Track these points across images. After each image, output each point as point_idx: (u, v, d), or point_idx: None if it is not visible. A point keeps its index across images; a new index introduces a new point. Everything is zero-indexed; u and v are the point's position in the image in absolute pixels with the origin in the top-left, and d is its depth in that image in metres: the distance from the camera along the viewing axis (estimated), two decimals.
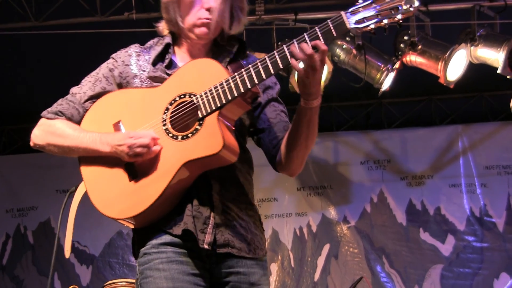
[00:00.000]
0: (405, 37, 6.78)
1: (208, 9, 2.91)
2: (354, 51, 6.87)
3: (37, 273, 8.60)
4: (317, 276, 8.48)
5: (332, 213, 8.67)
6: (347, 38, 6.84)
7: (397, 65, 6.88)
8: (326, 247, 8.56)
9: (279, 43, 6.90)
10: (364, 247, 8.53)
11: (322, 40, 2.65)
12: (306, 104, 2.78)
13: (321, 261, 8.52)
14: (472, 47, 6.81)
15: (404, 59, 6.93)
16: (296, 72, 2.71)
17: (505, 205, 8.57)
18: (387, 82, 6.96)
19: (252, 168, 3.06)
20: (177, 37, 3.09)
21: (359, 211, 8.66)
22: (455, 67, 6.86)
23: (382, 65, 6.92)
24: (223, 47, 3.06)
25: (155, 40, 3.13)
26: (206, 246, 2.80)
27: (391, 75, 6.91)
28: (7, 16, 6.82)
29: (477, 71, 7.07)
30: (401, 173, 8.75)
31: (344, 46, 6.91)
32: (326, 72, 6.71)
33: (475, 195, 8.62)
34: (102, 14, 6.74)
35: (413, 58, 6.91)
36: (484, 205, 8.56)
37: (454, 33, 6.89)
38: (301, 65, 2.70)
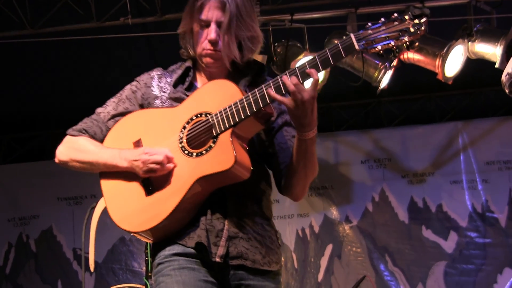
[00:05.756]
0: None
1: (210, 41, 2.99)
2: None
3: (41, 281, 8.61)
4: (320, 276, 8.47)
5: (334, 213, 8.66)
6: (344, 38, 6.82)
7: (394, 63, 6.86)
8: (329, 248, 8.56)
9: (276, 44, 6.88)
10: (367, 246, 8.52)
11: (331, 60, 2.73)
12: (301, 136, 2.84)
13: (324, 262, 8.51)
14: (469, 43, 6.79)
15: (401, 57, 6.91)
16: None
17: (506, 200, 8.56)
18: (385, 80, 6.93)
19: (270, 185, 3.11)
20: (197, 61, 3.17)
21: (361, 210, 8.66)
22: (453, 63, 6.84)
23: (380, 63, 6.88)
24: (242, 71, 3.11)
25: (178, 64, 3.22)
26: (217, 259, 2.85)
27: (389, 73, 6.88)
28: (2, 25, 6.81)
29: (475, 67, 7.06)
30: (402, 171, 8.74)
31: None
32: (323, 72, 6.69)
33: (476, 191, 8.61)
34: (97, 20, 6.73)
35: (410, 55, 6.91)
36: (485, 201, 8.55)
37: (451, 29, 6.86)
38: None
